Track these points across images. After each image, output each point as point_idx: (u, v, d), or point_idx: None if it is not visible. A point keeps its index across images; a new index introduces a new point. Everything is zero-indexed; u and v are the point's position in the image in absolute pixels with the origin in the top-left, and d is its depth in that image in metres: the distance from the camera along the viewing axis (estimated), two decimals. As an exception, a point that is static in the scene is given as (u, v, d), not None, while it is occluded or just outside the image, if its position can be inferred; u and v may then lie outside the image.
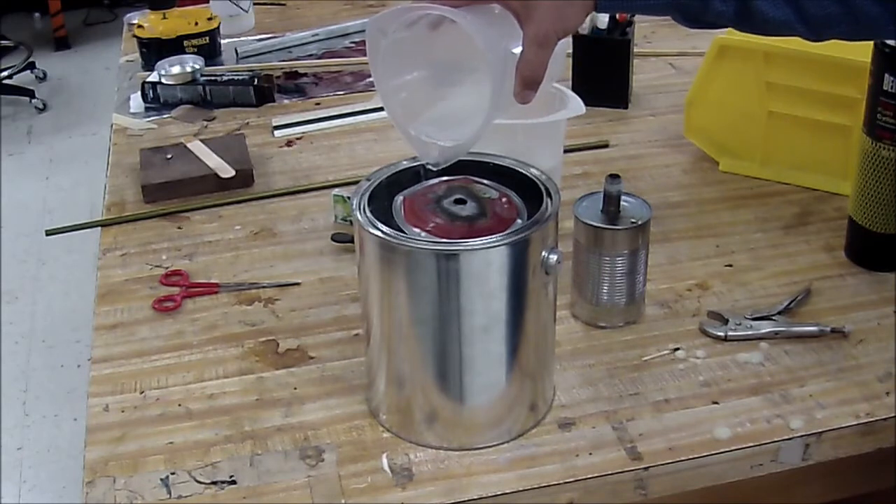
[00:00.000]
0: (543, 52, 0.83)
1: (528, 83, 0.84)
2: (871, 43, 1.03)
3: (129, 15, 1.89)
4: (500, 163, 0.92)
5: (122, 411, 0.96)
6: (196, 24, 1.71)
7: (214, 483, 0.88)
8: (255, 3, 1.89)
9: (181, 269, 1.16)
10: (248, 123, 1.51)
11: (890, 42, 1.01)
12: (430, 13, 0.84)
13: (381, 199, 0.88)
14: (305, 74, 1.67)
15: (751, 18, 0.86)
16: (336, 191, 1.23)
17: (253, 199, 1.31)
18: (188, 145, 1.39)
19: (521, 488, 0.86)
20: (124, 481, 0.88)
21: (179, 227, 1.25)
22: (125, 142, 1.48)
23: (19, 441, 2.33)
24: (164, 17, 1.71)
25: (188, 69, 1.58)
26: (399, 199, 0.89)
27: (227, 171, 1.33)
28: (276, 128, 1.49)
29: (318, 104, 1.56)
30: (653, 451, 0.89)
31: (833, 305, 1.06)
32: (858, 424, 0.92)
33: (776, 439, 0.90)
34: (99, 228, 1.27)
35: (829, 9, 0.83)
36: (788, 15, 0.84)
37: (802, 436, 0.90)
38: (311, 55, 1.75)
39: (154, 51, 1.68)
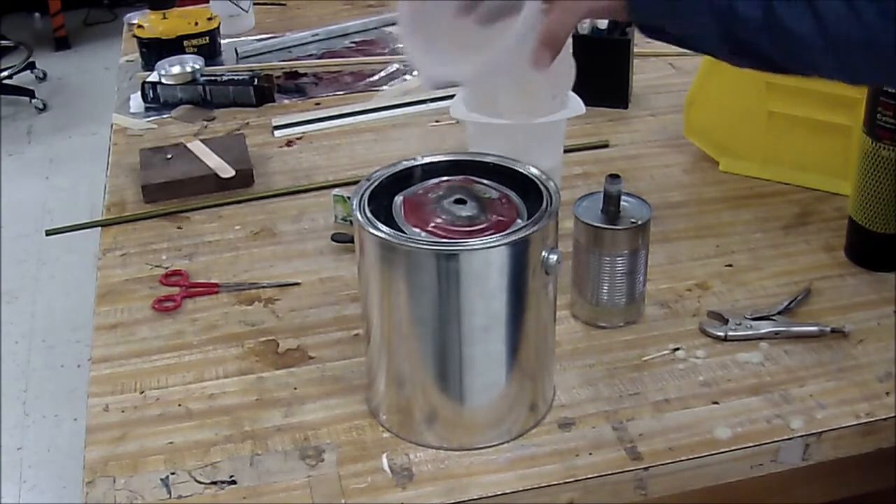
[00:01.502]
0: (569, 17, 0.84)
1: (548, 42, 0.84)
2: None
3: (129, 15, 1.90)
4: (500, 163, 0.92)
5: (122, 411, 0.96)
6: (196, 24, 1.71)
7: (214, 483, 0.88)
8: (255, 3, 1.89)
9: (181, 269, 1.16)
10: (248, 123, 1.51)
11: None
12: None
13: (381, 199, 0.88)
14: (305, 74, 1.67)
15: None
16: (336, 191, 1.23)
17: (253, 199, 1.31)
18: (188, 145, 1.39)
19: (521, 488, 0.86)
20: (124, 481, 0.88)
21: (179, 227, 1.25)
22: (125, 142, 1.48)
23: (19, 441, 2.33)
24: (164, 17, 1.71)
25: (188, 69, 1.58)
26: (399, 199, 0.88)
27: (227, 171, 1.33)
28: (276, 128, 1.49)
29: (318, 104, 1.57)
30: (653, 451, 0.89)
31: (833, 305, 1.06)
32: (858, 424, 0.92)
33: (776, 439, 0.90)
34: (99, 228, 1.27)
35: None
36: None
37: (802, 436, 0.90)
38: (311, 55, 1.76)
39: (154, 51, 1.68)
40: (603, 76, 1.48)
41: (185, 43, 1.69)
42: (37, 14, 4.58)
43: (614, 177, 1.00)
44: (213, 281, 1.14)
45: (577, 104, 1.16)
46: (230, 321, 1.08)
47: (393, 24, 1.86)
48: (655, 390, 0.96)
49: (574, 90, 1.17)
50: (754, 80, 1.25)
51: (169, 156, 1.37)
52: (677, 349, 1.01)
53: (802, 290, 1.08)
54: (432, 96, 1.55)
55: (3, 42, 4.25)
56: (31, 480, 2.23)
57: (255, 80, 1.57)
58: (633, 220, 1.00)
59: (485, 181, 0.90)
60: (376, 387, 0.93)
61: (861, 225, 1.10)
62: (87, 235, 1.38)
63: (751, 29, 0.83)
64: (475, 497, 0.85)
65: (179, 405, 0.97)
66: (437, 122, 1.49)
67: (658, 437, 0.90)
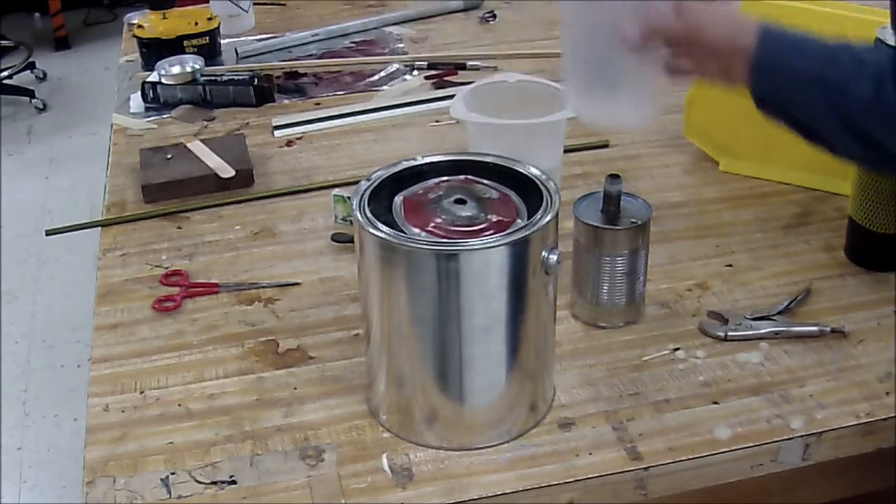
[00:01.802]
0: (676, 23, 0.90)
1: (650, 28, 0.91)
2: (872, 41, 1.03)
3: (129, 15, 1.90)
4: (500, 163, 0.92)
5: (122, 411, 0.96)
6: (196, 24, 1.71)
7: (214, 483, 0.88)
8: (255, 3, 1.89)
9: (181, 269, 1.16)
10: (248, 123, 1.51)
11: (890, 42, 1.00)
12: None
13: (381, 199, 0.88)
14: (305, 74, 1.67)
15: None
16: (336, 191, 1.23)
17: (253, 199, 1.31)
18: (188, 145, 1.39)
19: (521, 488, 0.86)
20: (124, 481, 0.88)
21: (179, 227, 1.25)
22: (125, 142, 1.48)
23: (19, 441, 2.32)
24: (164, 17, 1.71)
25: (188, 69, 1.58)
26: (399, 199, 0.89)
27: (227, 171, 1.33)
28: (276, 128, 1.49)
29: (318, 104, 1.56)
30: (653, 451, 0.89)
31: (833, 305, 1.06)
32: (858, 424, 0.92)
33: (776, 439, 0.90)
34: (99, 228, 1.27)
35: None
36: None
37: (802, 436, 0.90)
38: (311, 55, 1.75)
39: (154, 51, 1.68)
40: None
41: (185, 43, 1.69)
42: (37, 14, 4.58)
43: (614, 177, 1.00)
44: (213, 281, 1.14)
45: (577, 104, 1.16)
46: (230, 321, 1.08)
47: (393, 24, 1.86)
48: (655, 390, 0.96)
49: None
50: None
51: (169, 156, 1.37)
52: (677, 349, 1.01)
53: (802, 290, 1.08)
54: (432, 96, 1.55)
55: (3, 42, 4.25)
56: (31, 480, 2.23)
57: (255, 80, 1.57)
58: (633, 220, 1.00)
59: (485, 181, 0.90)
60: (376, 387, 0.93)
61: (861, 225, 1.10)
62: (87, 235, 1.38)
63: (863, 107, 0.85)
64: (475, 497, 0.86)
65: (179, 405, 0.97)
66: (437, 122, 1.49)
67: (658, 437, 0.90)
